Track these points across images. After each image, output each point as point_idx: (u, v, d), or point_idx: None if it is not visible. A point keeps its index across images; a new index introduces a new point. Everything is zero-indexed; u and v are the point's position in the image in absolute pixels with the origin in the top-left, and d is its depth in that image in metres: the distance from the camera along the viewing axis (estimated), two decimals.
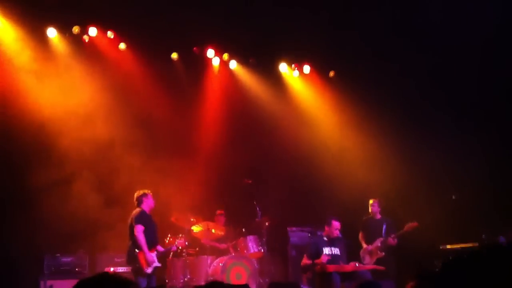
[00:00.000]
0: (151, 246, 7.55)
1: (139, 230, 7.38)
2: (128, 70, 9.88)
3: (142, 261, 7.37)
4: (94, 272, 8.35)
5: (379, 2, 9.33)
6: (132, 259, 7.46)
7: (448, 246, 9.24)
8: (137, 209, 7.65)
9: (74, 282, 6.85)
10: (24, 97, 8.60)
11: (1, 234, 7.89)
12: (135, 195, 7.74)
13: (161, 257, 8.93)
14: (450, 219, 9.22)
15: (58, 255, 8.22)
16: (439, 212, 9.37)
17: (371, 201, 9.43)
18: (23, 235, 7.91)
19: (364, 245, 9.20)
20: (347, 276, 7.85)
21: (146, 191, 7.76)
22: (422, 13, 9.05)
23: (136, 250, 7.40)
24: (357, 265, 7.99)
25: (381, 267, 8.45)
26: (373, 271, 8.20)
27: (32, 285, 7.93)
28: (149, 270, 7.41)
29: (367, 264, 8.87)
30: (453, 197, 9.35)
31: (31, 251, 7.95)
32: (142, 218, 7.53)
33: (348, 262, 8.18)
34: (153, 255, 7.52)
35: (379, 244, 9.05)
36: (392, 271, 8.69)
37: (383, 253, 9.00)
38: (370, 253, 9.08)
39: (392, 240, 8.98)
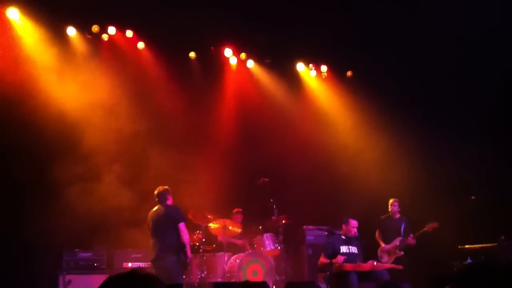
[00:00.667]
0: None
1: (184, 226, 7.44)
2: (147, 69, 9.98)
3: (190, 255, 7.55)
4: (112, 267, 8.45)
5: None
6: (172, 254, 7.40)
7: (467, 246, 9.17)
8: (172, 205, 7.63)
9: (92, 277, 7.02)
10: (46, 93, 8.71)
11: (22, 228, 7.97)
12: (158, 190, 7.68)
13: None
14: (469, 220, 9.14)
15: (77, 250, 8.31)
16: (457, 213, 9.30)
17: (391, 200, 9.38)
18: (43, 230, 7.99)
19: (382, 244, 9.18)
20: (364, 275, 7.80)
21: (167, 187, 7.77)
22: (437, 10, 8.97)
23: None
24: (375, 264, 7.94)
25: (399, 266, 8.38)
26: (390, 271, 8.14)
27: (51, 279, 8.01)
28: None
29: (385, 263, 8.83)
30: (472, 198, 9.25)
31: (50, 246, 8.03)
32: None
33: (365, 261, 8.14)
34: None
35: (398, 243, 9.02)
36: (408, 270, 8.62)
37: (402, 253, 8.96)
38: (389, 252, 9.05)
39: (411, 240, 8.95)
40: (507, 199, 9.13)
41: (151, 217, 7.63)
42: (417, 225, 9.15)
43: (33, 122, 8.41)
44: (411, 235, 8.96)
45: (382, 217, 9.44)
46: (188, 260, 7.56)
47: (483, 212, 9.10)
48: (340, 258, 7.89)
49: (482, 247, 8.99)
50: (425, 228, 9.01)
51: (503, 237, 8.86)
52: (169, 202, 7.70)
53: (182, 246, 7.39)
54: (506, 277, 2.29)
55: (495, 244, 8.88)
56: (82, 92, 8.99)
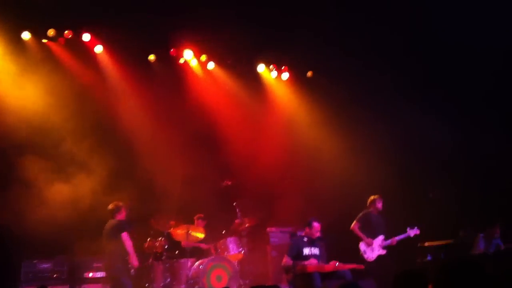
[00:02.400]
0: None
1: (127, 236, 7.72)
2: (106, 71, 9.82)
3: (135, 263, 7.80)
4: (73, 277, 8.28)
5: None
6: (118, 262, 7.70)
7: (426, 244, 9.36)
8: (119, 219, 7.85)
9: None
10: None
11: None
12: (110, 207, 7.88)
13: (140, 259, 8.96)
14: (428, 217, 9.31)
15: (36, 261, 8.10)
16: (417, 210, 9.48)
17: (375, 197, 9.22)
18: None
19: (366, 239, 9.03)
20: (327, 276, 7.87)
21: (119, 203, 7.89)
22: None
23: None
24: (337, 264, 8.01)
25: (360, 266, 8.47)
26: (353, 271, 8.21)
27: None
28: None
29: (368, 258, 8.89)
30: (430, 195, 9.44)
31: (7, 257, 7.80)
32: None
33: (328, 262, 8.20)
34: None
35: (381, 242, 8.99)
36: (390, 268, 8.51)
37: (385, 251, 8.98)
38: (372, 248, 9.00)
39: (394, 242, 8.97)
40: (465, 197, 9.35)
41: (103, 230, 7.87)
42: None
43: None
44: (395, 238, 8.96)
45: (365, 212, 9.21)
46: (134, 268, 7.91)
47: (442, 209, 9.28)
48: (312, 261, 7.94)
49: (441, 244, 9.20)
50: (407, 234, 8.93)
51: (461, 233, 9.10)
52: (120, 217, 7.86)
53: (126, 254, 7.70)
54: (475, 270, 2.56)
55: (453, 240, 9.11)
56: (41, 96, 8.82)
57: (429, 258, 9.15)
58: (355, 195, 9.66)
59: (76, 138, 9.03)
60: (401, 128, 10.17)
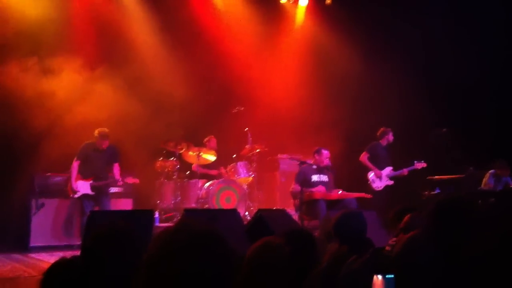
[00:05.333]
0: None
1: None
2: None
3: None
4: None
5: None
6: None
7: (436, 177, 9.38)
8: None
9: (64, 201, 7.09)
10: None
11: None
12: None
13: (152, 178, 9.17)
14: (440, 151, 9.27)
15: (49, 174, 8.33)
16: (428, 144, 9.42)
17: (387, 129, 9.23)
18: (13, 155, 7.98)
19: (375, 169, 9.09)
20: (333, 204, 7.99)
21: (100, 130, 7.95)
22: None
23: None
24: (339, 192, 8.11)
25: (368, 195, 8.57)
26: (358, 200, 8.31)
27: (24, 204, 8.06)
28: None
29: (377, 188, 8.99)
30: (443, 130, 9.34)
31: (22, 171, 8.02)
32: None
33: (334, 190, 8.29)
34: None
35: (389, 172, 9.06)
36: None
37: (393, 182, 9.07)
38: (381, 178, 9.08)
39: (405, 172, 9.04)
40: (477, 132, 9.22)
41: None
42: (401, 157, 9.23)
43: None
44: (406, 169, 9.02)
45: (374, 143, 9.23)
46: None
47: (454, 144, 9.19)
48: (320, 188, 8.04)
49: (450, 178, 9.21)
50: (415, 166, 9.04)
51: (471, 168, 9.07)
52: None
53: None
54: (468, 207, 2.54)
55: (463, 175, 9.09)
56: None
57: (437, 191, 9.19)
58: (367, 126, 9.60)
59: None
60: (420, 59, 9.91)
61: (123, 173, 8.14)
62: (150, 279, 1.53)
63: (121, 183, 8.15)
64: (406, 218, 3.69)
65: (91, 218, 5.48)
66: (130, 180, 8.15)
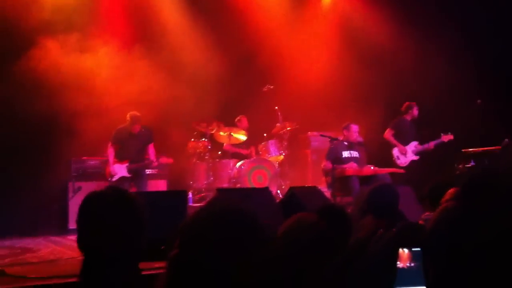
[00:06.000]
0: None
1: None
2: None
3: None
4: None
5: None
6: None
7: (471, 150, 9.22)
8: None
9: (101, 184, 7.25)
10: None
11: (29, 140, 8.12)
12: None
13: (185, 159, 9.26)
14: (474, 124, 9.09)
15: (85, 158, 8.51)
16: (462, 116, 9.25)
17: (412, 103, 9.15)
18: (50, 138, 8.16)
19: (399, 146, 9.04)
20: (366, 180, 7.96)
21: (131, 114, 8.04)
22: None
23: None
24: (372, 168, 8.07)
25: (401, 170, 8.51)
26: (392, 174, 8.26)
27: (62, 187, 8.28)
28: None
29: (401, 164, 8.91)
30: (478, 101, 9.15)
31: (58, 154, 8.20)
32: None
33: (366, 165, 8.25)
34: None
35: (415, 147, 9.00)
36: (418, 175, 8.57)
37: (418, 157, 9.00)
38: (406, 154, 9.02)
39: (432, 146, 8.95)
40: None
41: None
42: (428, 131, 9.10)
43: None
44: (432, 143, 8.93)
45: (398, 118, 9.20)
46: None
47: (489, 116, 9.00)
48: (352, 164, 8.03)
49: (485, 150, 9.04)
50: (441, 139, 8.96)
51: (507, 140, 8.87)
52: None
53: None
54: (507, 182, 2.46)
55: (499, 147, 8.91)
56: None
57: (472, 163, 9.05)
58: (400, 100, 9.46)
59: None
60: (463, 37, 9.66)
61: (158, 154, 8.28)
62: (181, 244, 1.68)
63: (156, 164, 8.25)
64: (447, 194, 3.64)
65: None
66: (164, 160, 8.28)
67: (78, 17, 8.55)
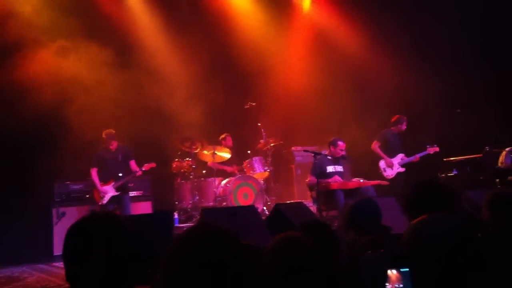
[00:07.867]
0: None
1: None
2: None
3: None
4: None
5: None
6: None
7: (452, 159, 9.33)
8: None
9: (85, 209, 7.15)
10: None
11: (11, 163, 8.03)
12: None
13: (169, 180, 9.22)
14: (455, 132, 9.20)
15: (68, 182, 8.44)
16: (443, 126, 9.37)
17: (401, 116, 9.19)
18: (33, 162, 8.08)
19: (386, 158, 9.08)
20: (350, 193, 7.98)
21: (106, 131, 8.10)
22: None
23: None
24: (361, 181, 8.11)
25: (385, 182, 8.55)
26: (378, 186, 8.28)
27: (45, 213, 8.18)
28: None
29: (388, 176, 8.98)
30: (458, 111, 9.27)
31: (41, 179, 8.12)
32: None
33: (351, 179, 8.29)
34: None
35: (401, 160, 9.05)
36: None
37: (404, 169, 9.05)
38: (392, 166, 9.07)
39: (417, 159, 9.02)
40: (492, 112, 9.14)
41: None
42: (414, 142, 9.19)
43: None
44: (418, 155, 9.00)
45: (385, 130, 9.23)
46: None
47: (469, 124, 9.12)
48: (336, 178, 8.05)
49: (467, 159, 9.15)
50: (427, 151, 9.00)
51: (487, 148, 8.99)
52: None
53: None
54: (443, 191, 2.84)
55: (480, 155, 9.02)
56: None
57: (454, 172, 9.15)
58: (378, 114, 9.56)
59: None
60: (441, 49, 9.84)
61: (139, 165, 8.29)
62: (167, 268, 1.74)
63: (140, 173, 8.27)
64: None
65: None
66: (147, 166, 8.27)
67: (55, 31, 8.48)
